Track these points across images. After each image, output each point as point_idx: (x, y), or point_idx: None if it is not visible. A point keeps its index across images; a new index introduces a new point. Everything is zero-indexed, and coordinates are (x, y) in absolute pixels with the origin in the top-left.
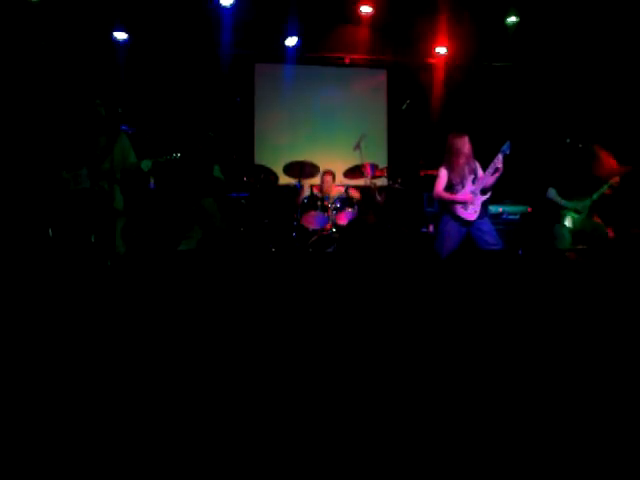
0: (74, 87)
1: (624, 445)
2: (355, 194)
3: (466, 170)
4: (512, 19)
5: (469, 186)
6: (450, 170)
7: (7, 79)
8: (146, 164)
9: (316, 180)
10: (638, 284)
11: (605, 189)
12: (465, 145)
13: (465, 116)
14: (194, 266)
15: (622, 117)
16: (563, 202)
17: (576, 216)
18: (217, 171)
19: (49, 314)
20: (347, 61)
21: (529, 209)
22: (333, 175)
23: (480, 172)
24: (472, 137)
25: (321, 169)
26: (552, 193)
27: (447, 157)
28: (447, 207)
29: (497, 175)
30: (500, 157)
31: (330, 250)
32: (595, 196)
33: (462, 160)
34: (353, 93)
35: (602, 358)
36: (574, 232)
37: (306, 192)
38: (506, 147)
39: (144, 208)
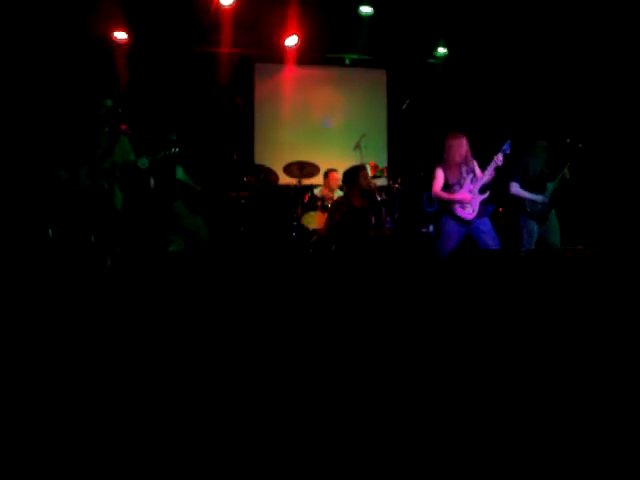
0: (76, 88)
1: (624, 445)
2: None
3: (463, 170)
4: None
5: (467, 186)
6: (446, 170)
7: (9, 80)
8: (142, 162)
9: (316, 180)
10: (637, 284)
11: (557, 183)
12: (462, 146)
13: (464, 116)
14: (194, 266)
15: (622, 117)
16: (531, 195)
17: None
18: (180, 173)
19: (49, 314)
20: (347, 61)
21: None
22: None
23: (478, 171)
24: (471, 136)
25: (321, 169)
26: (516, 187)
27: (444, 157)
28: (446, 207)
29: (489, 190)
30: (500, 156)
31: (330, 250)
32: (551, 188)
33: (458, 160)
34: (353, 93)
35: (602, 358)
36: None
37: (307, 191)
38: (507, 146)
39: (144, 208)
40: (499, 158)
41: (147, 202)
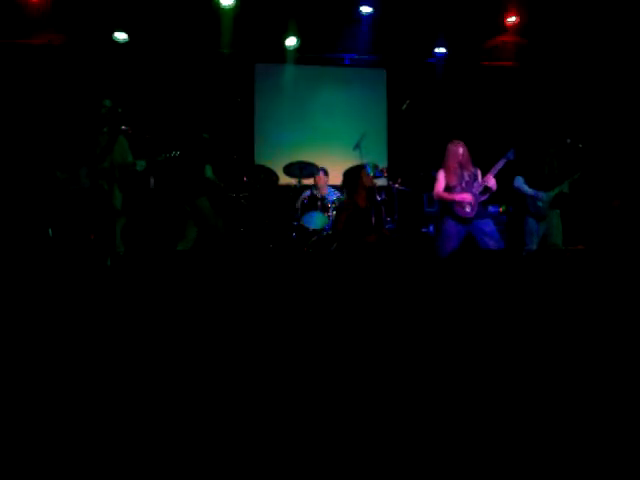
0: (76, 88)
1: (624, 445)
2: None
3: (464, 174)
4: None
5: (469, 189)
6: (446, 173)
7: (9, 80)
8: (140, 164)
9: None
10: (636, 284)
11: (566, 187)
12: (458, 152)
13: (464, 116)
14: (194, 266)
15: (622, 117)
16: (529, 190)
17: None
18: (209, 172)
19: (49, 314)
20: (347, 61)
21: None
22: (325, 172)
23: (480, 177)
24: (472, 138)
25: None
26: (519, 181)
27: (444, 161)
28: (446, 207)
29: (489, 192)
30: (502, 162)
31: (330, 250)
32: (556, 190)
33: (454, 165)
34: (353, 93)
35: (602, 358)
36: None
37: (306, 192)
38: (510, 154)
39: (144, 208)
40: (501, 164)
41: (147, 202)
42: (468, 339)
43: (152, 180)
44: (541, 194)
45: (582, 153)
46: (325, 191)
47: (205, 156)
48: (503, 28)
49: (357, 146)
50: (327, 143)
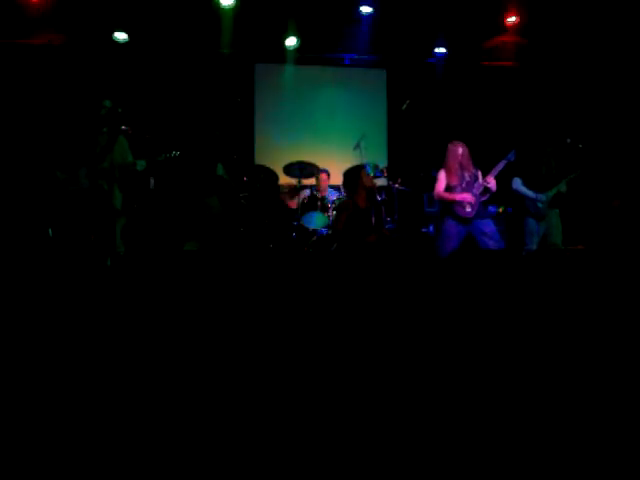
0: (76, 88)
1: (624, 445)
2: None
3: (464, 174)
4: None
5: (470, 189)
6: (447, 174)
7: (10, 81)
8: (141, 164)
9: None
10: (636, 284)
11: (563, 186)
12: (457, 153)
13: (464, 116)
14: (194, 266)
15: (622, 117)
16: (528, 192)
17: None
18: (220, 170)
19: (49, 314)
20: (347, 61)
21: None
22: (328, 174)
23: (481, 178)
24: (472, 138)
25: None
26: (517, 183)
27: (445, 162)
28: (447, 207)
29: (489, 193)
30: (503, 163)
31: (331, 250)
32: (554, 190)
33: (454, 166)
34: (353, 93)
35: (602, 358)
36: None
37: (305, 192)
38: (511, 155)
39: (143, 208)
40: (502, 165)
41: (147, 202)
42: (468, 339)
43: (152, 180)
44: (540, 195)
45: (582, 153)
46: (325, 191)
47: (217, 154)
48: (503, 28)
49: (357, 146)
50: (327, 143)
